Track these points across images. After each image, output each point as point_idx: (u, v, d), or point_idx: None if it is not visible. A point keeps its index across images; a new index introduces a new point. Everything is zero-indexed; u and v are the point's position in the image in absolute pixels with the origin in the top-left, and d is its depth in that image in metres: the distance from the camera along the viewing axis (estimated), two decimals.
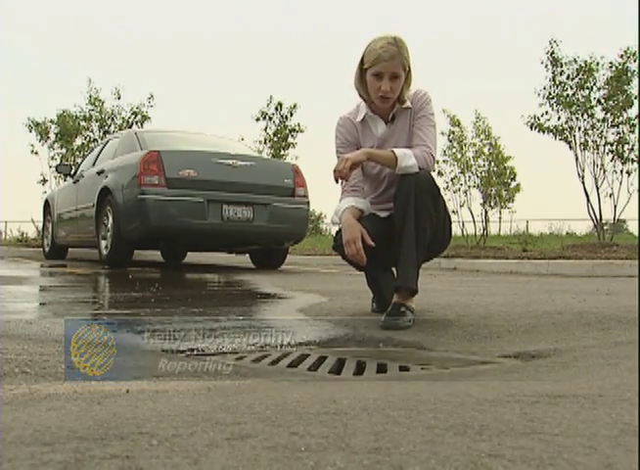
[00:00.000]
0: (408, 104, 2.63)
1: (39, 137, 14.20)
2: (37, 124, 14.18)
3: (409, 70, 2.58)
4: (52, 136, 14.25)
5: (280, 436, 0.86)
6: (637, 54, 8.90)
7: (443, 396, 1.20)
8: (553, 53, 9.50)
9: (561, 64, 9.42)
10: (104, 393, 1.30)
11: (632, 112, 9.01)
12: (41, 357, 1.78)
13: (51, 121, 14.24)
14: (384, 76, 2.52)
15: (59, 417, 0.99)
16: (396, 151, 2.52)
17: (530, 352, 2.03)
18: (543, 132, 9.57)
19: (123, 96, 14.29)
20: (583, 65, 9.28)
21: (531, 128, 9.63)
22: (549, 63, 9.51)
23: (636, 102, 8.92)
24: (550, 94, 9.48)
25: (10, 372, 1.56)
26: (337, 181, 2.59)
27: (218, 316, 2.93)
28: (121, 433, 0.87)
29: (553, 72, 9.47)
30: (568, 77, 9.40)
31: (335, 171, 2.52)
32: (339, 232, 2.66)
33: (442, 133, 11.02)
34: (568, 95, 9.34)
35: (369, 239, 2.51)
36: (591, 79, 9.25)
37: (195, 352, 2.10)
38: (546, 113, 9.57)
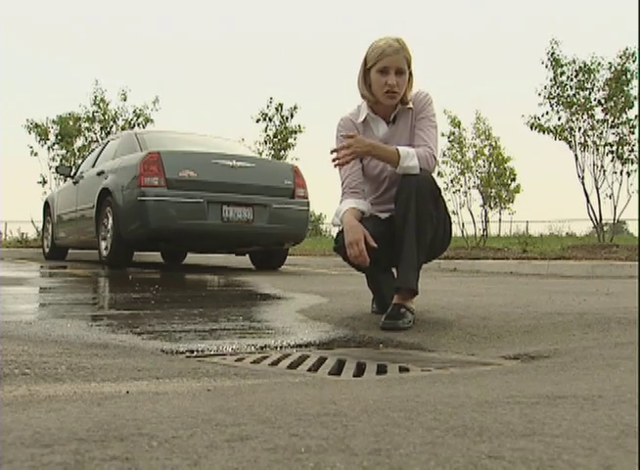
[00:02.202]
0: (410, 104, 2.64)
1: (39, 138, 14.20)
2: (37, 126, 14.18)
3: (411, 71, 2.61)
4: (52, 137, 14.26)
5: (280, 437, 0.86)
6: (636, 54, 8.91)
7: (443, 397, 1.20)
8: (553, 53, 9.50)
9: (561, 64, 9.43)
10: (103, 394, 1.30)
11: (632, 113, 9.02)
12: (41, 359, 1.77)
13: (53, 122, 14.24)
14: (389, 71, 2.55)
15: (58, 418, 0.99)
16: (400, 149, 2.52)
17: (530, 352, 2.03)
18: (543, 132, 9.57)
19: (127, 98, 14.36)
20: (582, 66, 9.28)
21: (532, 128, 9.63)
22: (549, 63, 9.52)
23: (636, 103, 8.93)
24: (551, 94, 9.49)
25: (10, 373, 1.56)
26: (335, 166, 2.58)
27: (218, 317, 2.93)
28: (121, 434, 0.87)
29: (554, 73, 9.47)
30: (568, 78, 9.40)
31: (336, 158, 2.52)
32: (340, 233, 2.65)
33: (442, 134, 11.03)
34: (568, 95, 9.34)
35: (372, 240, 2.50)
36: (590, 80, 9.26)
37: (195, 354, 2.10)
38: (546, 113, 9.58)
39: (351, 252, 2.50)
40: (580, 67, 9.29)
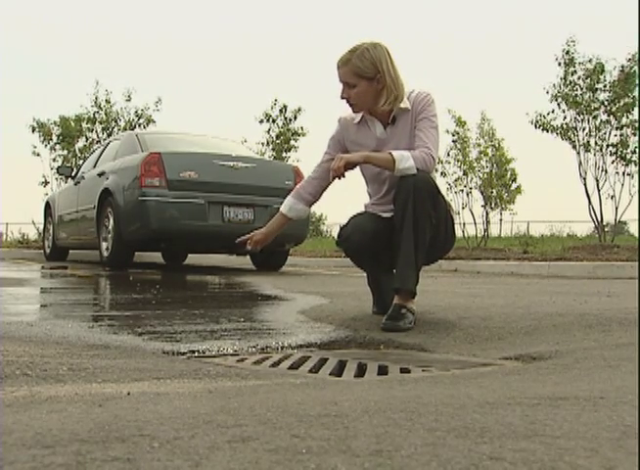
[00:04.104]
0: (407, 105, 2.62)
1: (42, 138, 14.22)
2: (42, 125, 14.20)
3: (384, 78, 2.53)
4: (54, 138, 14.28)
5: (281, 438, 0.86)
6: (637, 55, 8.90)
7: (444, 398, 1.19)
8: (568, 51, 9.47)
9: (574, 64, 9.40)
10: (105, 395, 1.30)
11: (635, 114, 9.01)
12: (42, 359, 1.78)
13: (54, 123, 14.26)
14: (342, 84, 2.60)
15: (60, 419, 0.99)
16: (394, 153, 2.51)
17: (531, 353, 2.03)
18: (547, 131, 9.55)
19: (132, 99, 14.38)
20: (597, 65, 9.25)
21: (536, 127, 9.61)
22: (563, 61, 9.48)
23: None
24: (558, 93, 9.46)
25: (11, 374, 1.56)
26: (332, 179, 2.66)
27: (219, 318, 2.93)
28: (123, 435, 0.87)
29: (565, 71, 9.44)
30: (579, 78, 9.38)
31: (331, 170, 2.55)
32: (343, 228, 2.70)
33: (447, 131, 11.00)
34: (576, 95, 9.32)
35: (257, 244, 2.88)
36: (602, 81, 9.24)
37: (196, 354, 2.11)
38: (552, 111, 9.56)
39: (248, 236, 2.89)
40: (594, 67, 9.26)
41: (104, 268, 6.79)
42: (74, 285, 5.02)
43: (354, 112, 2.67)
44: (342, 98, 2.61)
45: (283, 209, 2.91)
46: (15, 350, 1.92)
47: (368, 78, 2.54)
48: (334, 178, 2.60)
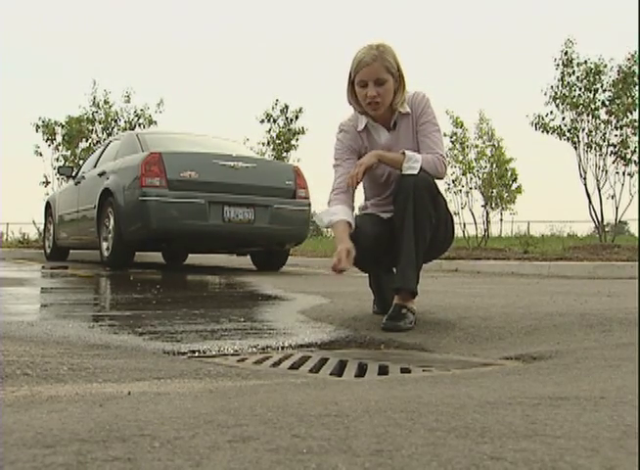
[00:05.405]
0: (407, 109, 2.61)
1: (46, 138, 14.21)
2: (47, 125, 14.18)
3: (400, 76, 2.54)
4: (57, 138, 14.27)
5: (282, 438, 0.86)
6: (637, 56, 8.90)
7: (445, 398, 1.20)
8: (567, 53, 9.47)
9: (572, 65, 9.39)
10: (105, 395, 1.30)
11: (636, 114, 9.01)
12: (43, 359, 1.78)
13: (55, 123, 14.25)
14: (368, 83, 2.50)
15: (60, 419, 0.99)
16: (407, 152, 2.52)
17: (532, 353, 2.03)
18: (547, 132, 9.56)
19: (131, 99, 14.38)
20: (593, 67, 9.25)
21: (536, 128, 9.61)
22: (561, 63, 9.47)
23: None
24: (556, 94, 9.46)
25: (12, 374, 1.56)
26: (352, 187, 2.59)
27: (219, 318, 2.93)
28: (123, 435, 0.87)
29: (562, 73, 9.44)
30: (577, 79, 9.37)
31: (349, 177, 2.52)
32: None
33: (445, 134, 11.00)
34: (574, 96, 9.32)
35: (351, 261, 2.42)
36: (600, 81, 9.24)
37: (196, 354, 2.11)
38: (551, 112, 9.56)
39: (334, 260, 2.41)
40: (591, 68, 9.25)
41: (104, 268, 6.79)
42: (75, 285, 5.02)
43: (376, 113, 2.58)
44: (370, 96, 2.49)
45: (347, 218, 2.55)
46: (15, 349, 1.92)
47: (393, 75, 2.52)
48: (349, 187, 2.56)
